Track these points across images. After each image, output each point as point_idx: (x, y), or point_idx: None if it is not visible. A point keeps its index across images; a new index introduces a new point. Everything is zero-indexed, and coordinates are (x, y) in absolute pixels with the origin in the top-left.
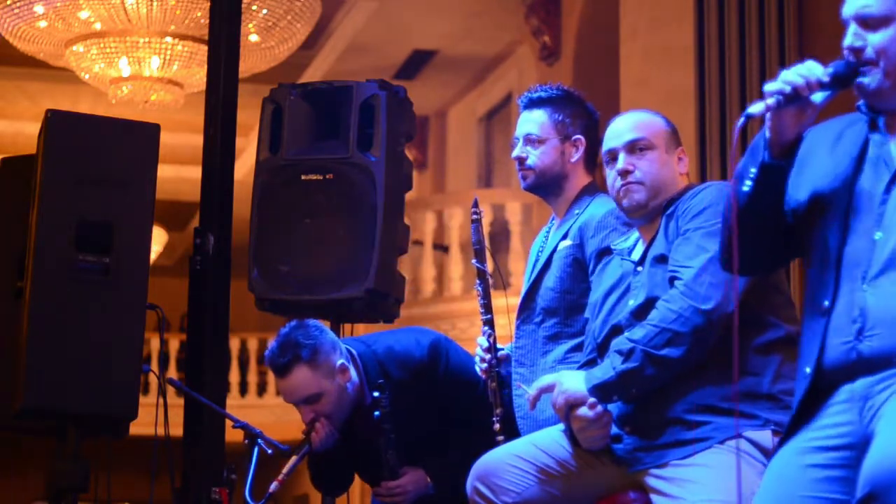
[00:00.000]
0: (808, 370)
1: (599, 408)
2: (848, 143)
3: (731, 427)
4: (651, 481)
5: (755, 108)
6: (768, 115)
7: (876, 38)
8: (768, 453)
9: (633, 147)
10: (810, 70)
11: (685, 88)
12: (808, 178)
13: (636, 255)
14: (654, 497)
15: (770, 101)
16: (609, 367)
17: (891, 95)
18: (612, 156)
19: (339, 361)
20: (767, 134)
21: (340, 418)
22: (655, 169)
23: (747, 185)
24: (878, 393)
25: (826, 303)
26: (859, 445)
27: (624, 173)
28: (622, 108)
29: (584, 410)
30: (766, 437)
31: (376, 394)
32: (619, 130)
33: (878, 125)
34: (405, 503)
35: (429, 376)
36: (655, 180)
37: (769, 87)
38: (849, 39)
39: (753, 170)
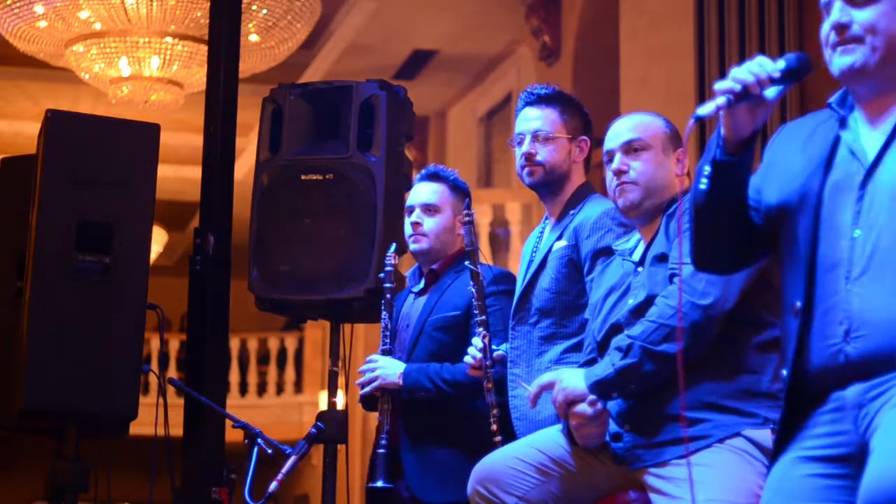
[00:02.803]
0: (784, 373)
1: (599, 405)
2: (819, 140)
3: (731, 425)
4: (651, 480)
5: (705, 108)
6: (721, 114)
7: (864, 15)
8: (768, 452)
9: (629, 147)
10: (761, 66)
11: (685, 88)
12: (779, 177)
13: (636, 256)
14: (653, 496)
15: (720, 100)
16: (608, 363)
17: (875, 75)
18: (610, 156)
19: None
20: (722, 132)
21: (430, 246)
22: (650, 169)
23: (703, 183)
24: (870, 401)
25: (798, 303)
26: (858, 455)
27: (618, 173)
28: (622, 108)
29: (582, 407)
30: (765, 435)
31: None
32: (618, 131)
33: (847, 122)
34: (373, 379)
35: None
36: (650, 180)
37: (719, 85)
38: (834, 16)
39: (708, 167)
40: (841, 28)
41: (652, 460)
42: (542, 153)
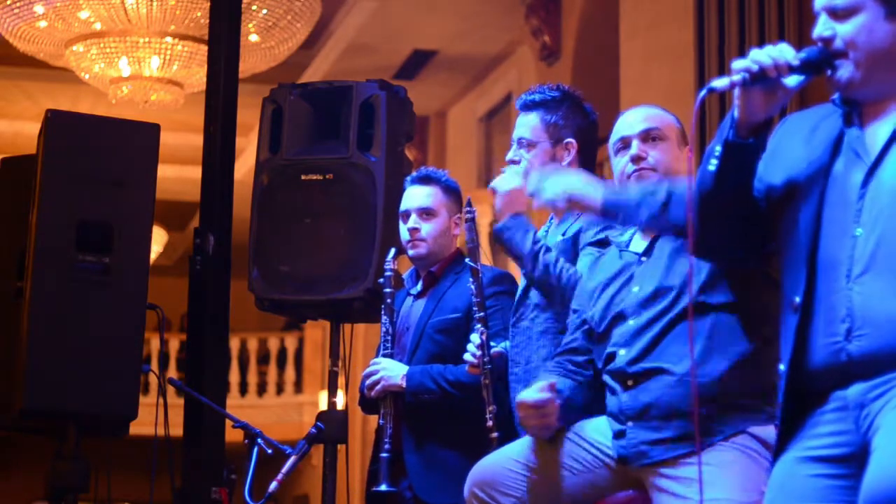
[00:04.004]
0: (782, 367)
1: (546, 395)
2: (823, 136)
3: (737, 422)
4: (658, 481)
5: (719, 82)
6: (736, 92)
7: (844, 29)
8: (773, 450)
9: (647, 136)
10: (780, 52)
11: (685, 88)
12: (782, 168)
13: (635, 247)
14: (658, 496)
15: (735, 77)
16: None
17: (863, 87)
18: (625, 143)
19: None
20: (735, 113)
21: (429, 250)
22: (668, 159)
23: (713, 165)
24: (872, 401)
25: (797, 299)
26: (859, 455)
27: (637, 159)
28: (622, 108)
29: (528, 394)
30: (770, 432)
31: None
32: (633, 120)
33: (853, 119)
34: (377, 382)
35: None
36: (667, 170)
37: (737, 64)
38: (818, 29)
39: (719, 148)
40: (825, 42)
41: (659, 457)
42: (523, 160)
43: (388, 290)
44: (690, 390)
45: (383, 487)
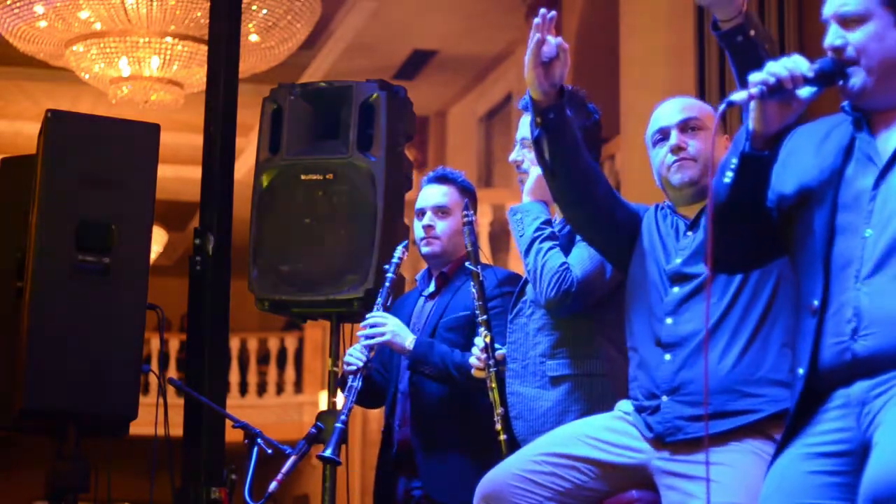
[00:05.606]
0: (801, 371)
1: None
2: (834, 143)
3: (783, 399)
4: (668, 479)
5: (738, 95)
6: (752, 104)
7: (855, 37)
8: None
9: (686, 125)
10: (796, 64)
11: (685, 88)
12: (793, 176)
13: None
14: (668, 494)
15: (753, 90)
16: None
17: (875, 95)
18: (664, 134)
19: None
20: (750, 125)
21: (443, 248)
22: (707, 148)
23: (728, 177)
24: (874, 398)
25: (815, 302)
26: (859, 452)
27: (677, 149)
28: (622, 108)
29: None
30: None
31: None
32: (671, 111)
33: (863, 124)
34: (376, 339)
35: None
36: (708, 159)
37: (753, 77)
38: (829, 39)
39: (735, 160)
40: (837, 51)
41: (696, 433)
42: (527, 161)
43: (390, 275)
44: (741, 368)
45: (328, 453)
